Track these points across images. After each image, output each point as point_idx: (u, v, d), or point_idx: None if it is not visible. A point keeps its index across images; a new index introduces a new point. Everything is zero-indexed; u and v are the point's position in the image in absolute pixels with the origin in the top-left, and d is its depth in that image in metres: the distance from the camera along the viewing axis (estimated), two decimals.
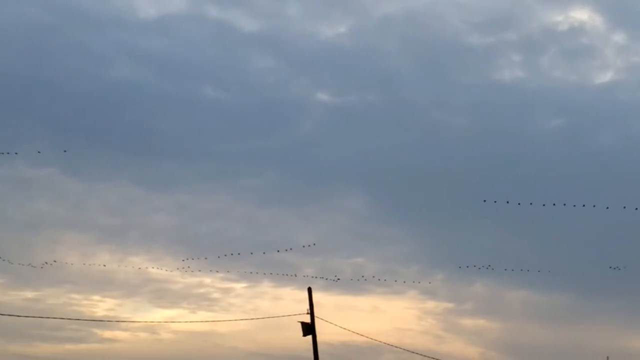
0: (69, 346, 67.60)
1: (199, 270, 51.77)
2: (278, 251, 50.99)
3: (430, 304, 71.36)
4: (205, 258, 50.25)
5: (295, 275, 53.03)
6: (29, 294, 66.92)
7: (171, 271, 59.39)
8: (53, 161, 72.67)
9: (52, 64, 74.69)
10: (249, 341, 66.42)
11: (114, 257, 69.19)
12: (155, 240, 72.17)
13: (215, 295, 70.58)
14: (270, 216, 74.50)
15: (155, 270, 66.11)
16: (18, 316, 44.27)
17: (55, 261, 50.08)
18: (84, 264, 55.25)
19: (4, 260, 46.97)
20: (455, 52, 79.98)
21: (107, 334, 68.42)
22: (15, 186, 71.91)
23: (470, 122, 77.73)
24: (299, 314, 35.50)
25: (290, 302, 65.27)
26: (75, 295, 68.40)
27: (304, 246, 48.65)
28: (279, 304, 67.89)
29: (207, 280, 68.22)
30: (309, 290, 35.86)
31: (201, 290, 71.04)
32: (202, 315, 68.47)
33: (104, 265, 56.82)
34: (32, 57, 74.06)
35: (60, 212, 73.19)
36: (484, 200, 46.62)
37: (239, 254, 49.89)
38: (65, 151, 57.41)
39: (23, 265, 48.88)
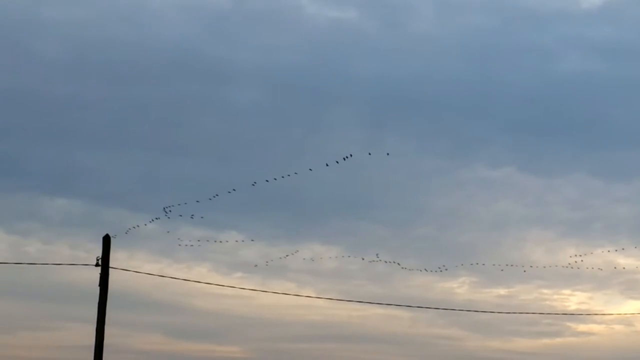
0: (545, 340, 68.97)
1: None
2: None
3: None
4: None
5: None
6: (502, 291, 69.27)
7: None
8: (511, 160, 75.13)
9: (502, 66, 76.95)
10: None
11: (579, 251, 68.95)
12: (620, 231, 70.44)
13: None
14: None
15: (623, 261, 64.82)
16: (499, 312, 46.65)
17: (477, 263, 50.68)
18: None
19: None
20: None
21: (582, 327, 68.52)
22: (478, 188, 75.42)
23: None
24: None
25: None
26: (545, 290, 69.47)
27: None
28: None
29: None
30: None
31: None
32: None
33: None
34: (482, 62, 77.01)
35: (522, 210, 74.81)
36: None
37: None
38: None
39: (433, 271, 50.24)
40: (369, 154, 40.81)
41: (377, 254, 48.78)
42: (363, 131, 76.08)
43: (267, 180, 38.94)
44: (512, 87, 75.45)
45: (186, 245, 42.50)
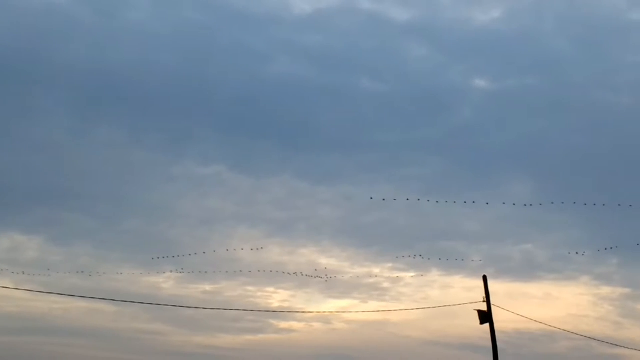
0: (248, 337, 70.04)
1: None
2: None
3: (606, 290, 69.42)
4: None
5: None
6: (208, 287, 69.49)
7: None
8: (222, 159, 75.94)
9: (216, 64, 78.12)
10: (421, 330, 66.77)
11: (284, 250, 71.12)
12: (323, 232, 73.47)
13: (385, 284, 71.11)
14: (435, 205, 74.54)
15: (325, 261, 67.34)
16: (203, 308, 46.57)
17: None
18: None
19: None
20: (616, 29, 77.40)
21: (283, 324, 70.23)
22: (188, 184, 75.62)
23: (635, 101, 75.23)
24: (475, 302, 35.45)
25: (459, 291, 65.08)
26: (250, 288, 70.65)
27: None
28: (449, 292, 67.71)
29: (376, 270, 68.74)
30: (484, 278, 35.74)
31: (371, 280, 71.86)
32: (373, 304, 69.14)
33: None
34: (197, 58, 77.63)
35: (231, 208, 75.94)
36: None
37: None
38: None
39: None
40: None
41: None
42: (73, 119, 73.92)
43: None
44: (225, 86, 77.10)
45: None
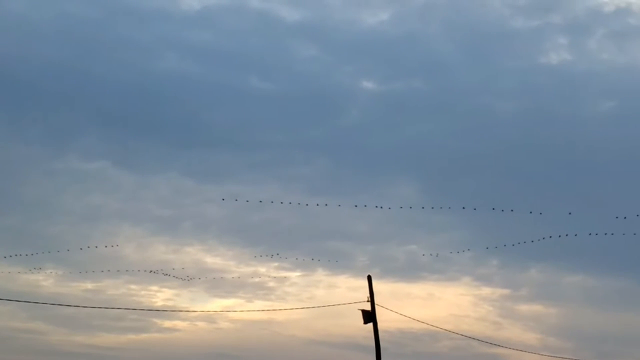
0: (131, 336, 68.74)
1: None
2: None
3: (486, 291, 71.10)
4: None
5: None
6: (89, 285, 67.89)
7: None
8: (105, 154, 74.37)
9: (101, 58, 76.43)
10: (306, 329, 66.91)
11: (169, 248, 70.17)
12: (209, 231, 72.79)
13: (271, 284, 70.87)
14: (321, 205, 74.83)
15: (211, 260, 66.67)
16: (84, 307, 45.23)
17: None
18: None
19: None
20: (499, 36, 79.74)
21: (167, 323, 69.31)
22: (70, 179, 73.88)
23: (517, 107, 77.59)
24: (359, 302, 35.74)
25: (344, 290, 65.40)
26: (133, 286, 69.34)
27: None
28: (334, 292, 68.02)
29: (262, 269, 68.45)
30: (369, 279, 36.07)
31: (256, 280, 71.46)
32: (258, 304, 69.11)
33: None
34: (81, 52, 75.79)
35: (115, 204, 74.41)
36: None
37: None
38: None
39: None
40: None
41: None
42: None
43: None
44: (110, 80, 75.37)
45: None
